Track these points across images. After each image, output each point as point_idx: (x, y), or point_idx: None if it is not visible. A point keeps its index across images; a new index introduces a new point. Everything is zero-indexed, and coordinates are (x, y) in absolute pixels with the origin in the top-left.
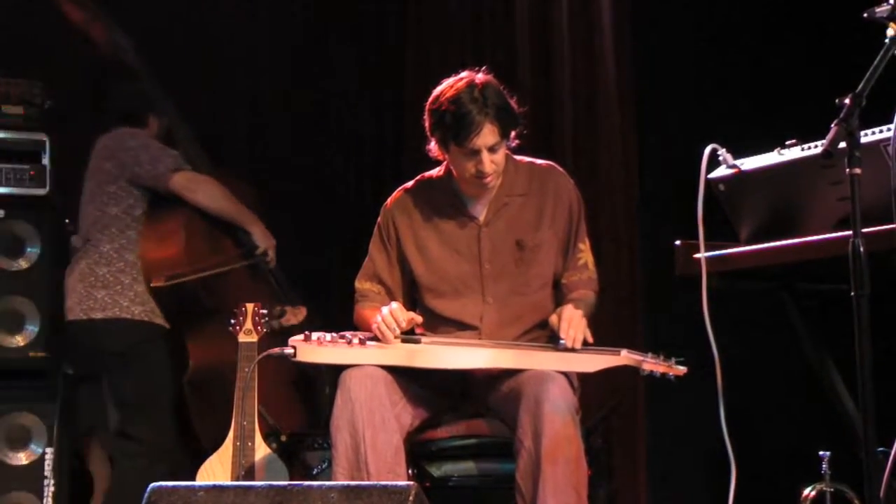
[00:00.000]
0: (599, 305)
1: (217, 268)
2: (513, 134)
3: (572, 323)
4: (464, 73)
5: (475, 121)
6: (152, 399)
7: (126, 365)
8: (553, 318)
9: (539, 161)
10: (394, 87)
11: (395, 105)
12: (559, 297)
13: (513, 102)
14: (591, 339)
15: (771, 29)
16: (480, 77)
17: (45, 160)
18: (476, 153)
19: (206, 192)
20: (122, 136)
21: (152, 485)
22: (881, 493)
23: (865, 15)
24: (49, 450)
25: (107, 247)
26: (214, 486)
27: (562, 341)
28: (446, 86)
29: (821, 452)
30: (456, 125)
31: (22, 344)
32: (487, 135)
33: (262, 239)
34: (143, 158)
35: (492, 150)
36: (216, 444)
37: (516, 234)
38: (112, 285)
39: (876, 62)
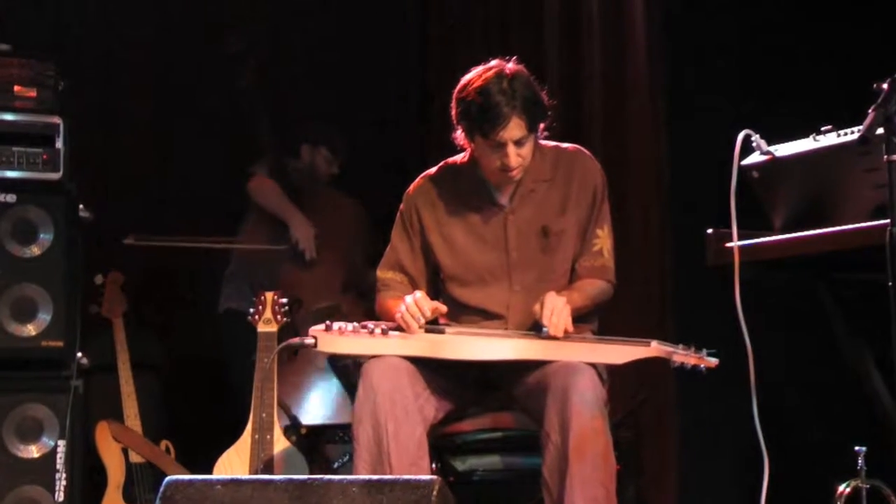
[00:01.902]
0: (628, 295)
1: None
2: (541, 126)
3: (555, 310)
4: (493, 62)
5: (502, 113)
6: None
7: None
8: (536, 307)
9: (565, 145)
10: (418, 74)
11: (420, 91)
12: (573, 282)
13: (543, 94)
14: (570, 329)
15: (808, 10)
16: (510, 67)
17: (59, 144)
18: (502, 146)
19: (258, 189)
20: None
21: (168, 478)
22: None
23: None
24: (61, 442)
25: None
26: (232, 480)
27: (544, 329)
28: (475, 74)
29: (857, 448)
30: (482, 117)
31: (34, 333)
32: (514, 128)
33: (297, 229)
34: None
35: (518, 143)
36: None
37: (542, 220)
38: (237, 281)
39: None
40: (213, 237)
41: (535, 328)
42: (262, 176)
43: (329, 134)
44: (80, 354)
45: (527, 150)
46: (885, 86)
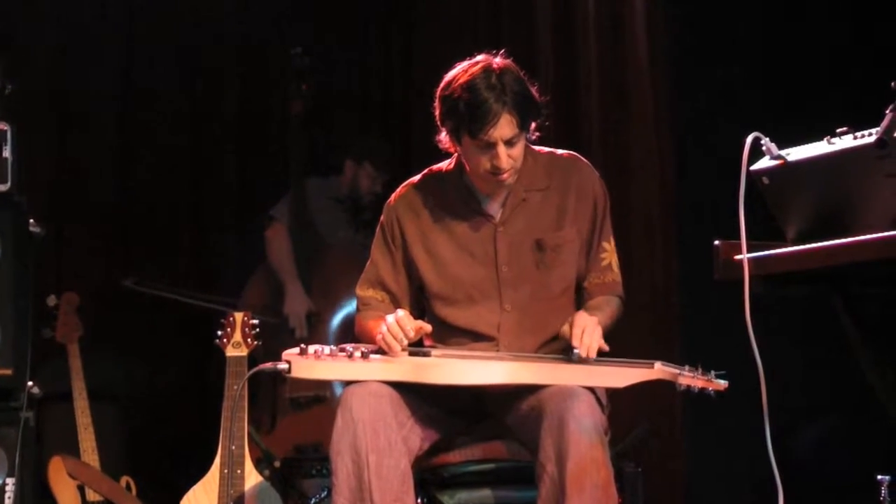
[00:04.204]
0: (630, 313)
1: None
2: (533, 125)
3: (586, 331)
4: (480, 57)
5: (492, 110)
6: None
7: None
8: (565, 328)
9: (560, 151)
10: (401, 71)
11: (403, 91)
12: (581, 301)
13: (534, 90)
14: (606, 348)
15: (818, 6)
16: (498, 61)
17: (7, 152)
18: (491, 146)
19: (271, 242)
20: None
21: None
22: None
23: None
24: (10, 480)
25: None
26: None
27: (575, 351)
28: (460, 70)
29: (879, 476)
30: (470, 115)
31: None
32: (504, 126)
33: (290, 304)
34: None
35: (509, 143)
36: None
37: (536, 233)
38: None
39: None
40: (215, 294)
41: (565, 352)
42: (280, 225)
43: (374, 150)
44: (31, 383)
45: (518, 151)
46: None
